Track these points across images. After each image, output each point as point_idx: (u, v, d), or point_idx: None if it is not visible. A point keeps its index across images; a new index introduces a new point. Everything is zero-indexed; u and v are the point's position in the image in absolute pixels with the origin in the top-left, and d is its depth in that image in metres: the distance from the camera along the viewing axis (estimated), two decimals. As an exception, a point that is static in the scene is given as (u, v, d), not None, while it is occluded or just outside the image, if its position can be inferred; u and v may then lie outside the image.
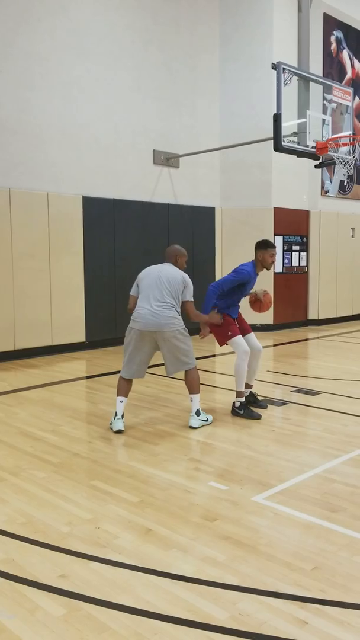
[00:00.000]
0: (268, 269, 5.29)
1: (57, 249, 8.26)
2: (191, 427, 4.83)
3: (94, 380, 6.29)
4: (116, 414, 4.77)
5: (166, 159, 9.77)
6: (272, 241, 10.49)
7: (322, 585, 2.52)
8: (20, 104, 7.86)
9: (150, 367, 7.27)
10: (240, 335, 5.17)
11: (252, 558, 2.75)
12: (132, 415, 5.21)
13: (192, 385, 4.90)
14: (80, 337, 8.72)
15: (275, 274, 10.67)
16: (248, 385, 5.38)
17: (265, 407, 5.44)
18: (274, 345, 9.31)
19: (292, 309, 11.19)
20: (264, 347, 5.62)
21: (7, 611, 2.36)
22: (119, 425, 4.72)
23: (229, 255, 10.63)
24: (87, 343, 8.77)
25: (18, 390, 6.19)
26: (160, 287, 4.72)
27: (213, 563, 2.71)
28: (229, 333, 5.14)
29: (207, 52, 10.33)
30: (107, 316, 8.95)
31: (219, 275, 10.65)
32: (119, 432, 4.70)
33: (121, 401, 4.79)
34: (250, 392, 5.47)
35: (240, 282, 5.19)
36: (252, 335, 5.34)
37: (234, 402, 5.27)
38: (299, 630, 2.22)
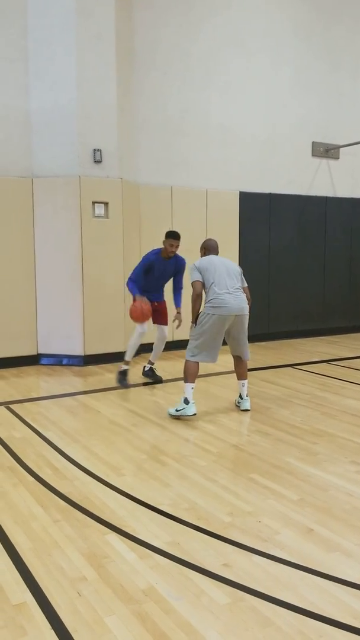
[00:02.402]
0: (168, 257, 5.79)
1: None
2: (247, 410, 5.20)
3: (249, 374, 6.31)
4: (189, 401, 4.93)
5: (325, 151, 9.46)
6: None
7: None
8: (182, 104, 8.11)
9: (302, 364, 7.15)
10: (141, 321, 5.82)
11: None
12: (289, 412, 5.15)
13: (246, 370, 5.27)
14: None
15: None
16: (151, 362, 6.33)
17: (161, 382, 6.28)
18: None
19: None
20: None
21: (175, 592, 2.47)
22: (194, 409, 4.93)
23: (391, 249, 10.00)
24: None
25: (177, 379, 6.41)
26: (230, 274, 5.00)
27: (381, 573, 2.59)
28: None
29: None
30: (260, 311, 8.92)
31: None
32: (194, 415, 4.93)
33: (192, 387, 4.98)
34: (151, 367, 6.33)
35: (144, 267, 5.74)
36: (165, 327, 6.19)
37: (120, 365, 6.14)
38: None
